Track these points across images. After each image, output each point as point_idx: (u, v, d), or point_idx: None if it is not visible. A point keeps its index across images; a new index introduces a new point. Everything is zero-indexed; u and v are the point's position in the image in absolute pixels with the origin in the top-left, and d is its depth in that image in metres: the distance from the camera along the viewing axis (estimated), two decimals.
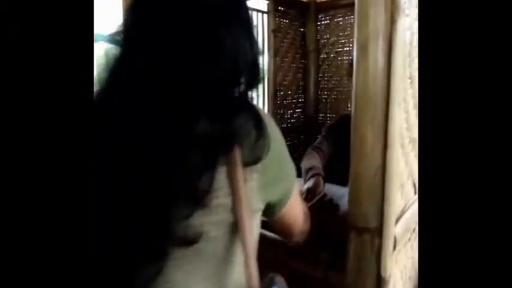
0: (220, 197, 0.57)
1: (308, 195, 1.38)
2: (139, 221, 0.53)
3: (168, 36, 0.57)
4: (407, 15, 0.95)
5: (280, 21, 2.60)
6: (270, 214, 0.72)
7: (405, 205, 1.05)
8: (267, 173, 0.63)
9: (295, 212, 0.78)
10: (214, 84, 0.58)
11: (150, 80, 0.56)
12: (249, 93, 0.64)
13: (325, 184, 1.52)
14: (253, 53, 0.64)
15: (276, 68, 2.60)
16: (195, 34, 0.57)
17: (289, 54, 2.70)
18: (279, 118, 2.67)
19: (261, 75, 0.66)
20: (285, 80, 2.69)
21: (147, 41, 0.57)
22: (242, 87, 0.63)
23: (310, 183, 1.44)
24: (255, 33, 0.67)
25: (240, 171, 0.57)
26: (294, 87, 2.78)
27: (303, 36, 2.78)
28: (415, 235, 1.19)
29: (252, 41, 0.64)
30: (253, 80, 0.64)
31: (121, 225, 0.53)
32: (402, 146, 1.04)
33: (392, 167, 0.84)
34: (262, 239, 0.85)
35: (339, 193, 1.35)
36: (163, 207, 0.54)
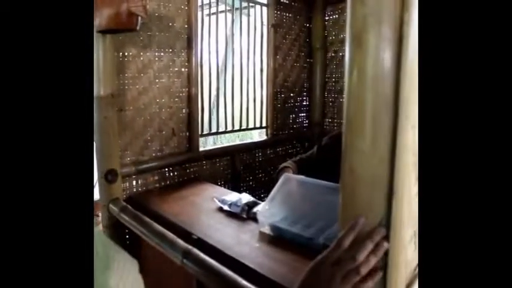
0: None
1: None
2: None
3: None
4: None
5: (283, 15, 2.31)
6: None
7: None
8: None
9: None
10: None
11: None
12: None
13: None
14: None
15: (276, 68, 2.30)
16: None
17: (292, 52, 2.41)
18: (279, 123, 2.38)
19: None
20: (286, 81, 2.40)
21: None
22: None
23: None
24: None
25: None
26: (297, 89, 2.49)
27: (309, 32, 2.49)
28: None
29: None
30: None
31: None
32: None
33: (400, 221, 0.55)
34: None
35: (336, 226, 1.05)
36: None
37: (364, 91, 0.54)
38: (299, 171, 1.48)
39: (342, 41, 2.40)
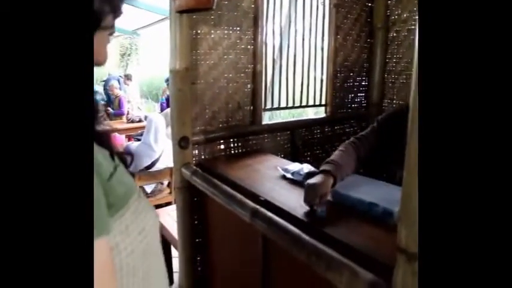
0: None
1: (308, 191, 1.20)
2: None
3: None
4: None
5: None
6: None
7: None
8: None
9: None
10: None
11: None
12: None
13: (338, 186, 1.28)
14: None
15: (337, 47, 2.35)
16: None
17: (353, 32, 2.43)
18: (338, 102, 2.44)
19: None
20: (347, 61, 2.44)
21: None
22: None
23: (312, 180, 1.22)
24: None
25: None
26: (357, 69, 2.52)
27: (370, 11, 2.49)
28: None
29: None
30: None
31: None
32: None
33: None
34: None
35: (394, 197, 1.13)
36: None
37: None
38: (360, 150, 1.49)
39: (405, 21, 2.38)
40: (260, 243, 1.30)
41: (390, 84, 2.54)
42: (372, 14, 2.50)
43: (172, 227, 2.04)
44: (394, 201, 1.10)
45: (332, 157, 1.35)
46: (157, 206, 2.89)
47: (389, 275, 0.76)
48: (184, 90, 1.67)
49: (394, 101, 2.52)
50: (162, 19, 7.02)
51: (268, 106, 2.20)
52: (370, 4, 2.48)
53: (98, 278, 0.46)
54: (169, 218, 2.27)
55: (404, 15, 2.38)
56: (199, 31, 1.77)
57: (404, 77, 2.43)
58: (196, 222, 1.82)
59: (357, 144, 1.47)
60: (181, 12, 1.53)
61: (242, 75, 1.94)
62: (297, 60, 2.31)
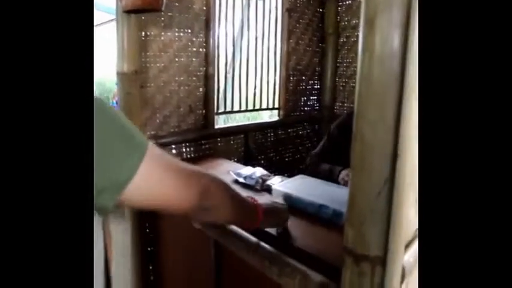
0: None
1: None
2: None
3: None
4: None
5: (296, 0, 2.37)
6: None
7: None
8: None
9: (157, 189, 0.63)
10: None
11: None
12: None
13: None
14: None
15: (289, 51, 2.38)
16: None
17: (305, 37, 2.47)
18: (291, 105, 2.47)
19: None
20: (299, 65, 2.47)
21: None
22: None
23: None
24: None
25: None
26: (309, 73, 2.56)
27: (322, 17, 2.54)
28: None
29: None
30: None
31: None
32: None
33: (403, 182, 0.63)
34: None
35: (344, 198, 1.14)
36: None
37: (373, 68, 0.63)
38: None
39: (354, 27, 2.45)
40: (212, 250, 1.28)
41: (341, 88, 2.60)
42: (323, 20, 2.55)
43: None
44: (344, 203, 1.12)
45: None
46: None
47: (338, 276, 0.77)
48: (133, 93, 1.61)
49: (345, 104, 2.59)
50: (113, 19, 6.81)
51: (222, 110, 2.18)
52: (321, 10, 2.54)
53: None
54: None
55: (354, 21, 2.45)
56: (148, 33, 1.72)
57: (354, 81, 2.49)
58: (147, 230, 1.76)
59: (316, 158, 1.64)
60: (128, 12, 1.48)
61: (194, 78, 1.91)
62: (251, 63, 2.31)
